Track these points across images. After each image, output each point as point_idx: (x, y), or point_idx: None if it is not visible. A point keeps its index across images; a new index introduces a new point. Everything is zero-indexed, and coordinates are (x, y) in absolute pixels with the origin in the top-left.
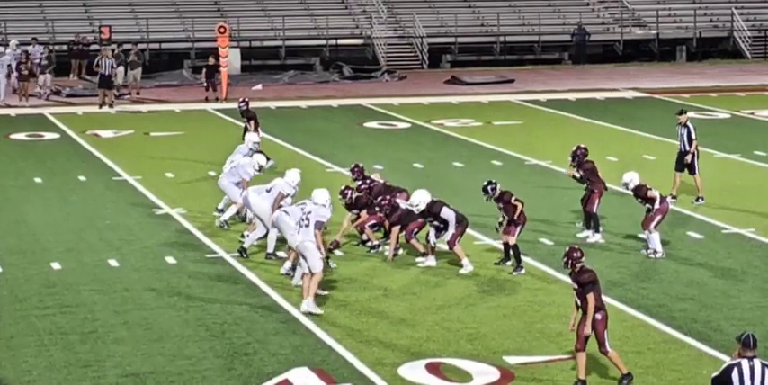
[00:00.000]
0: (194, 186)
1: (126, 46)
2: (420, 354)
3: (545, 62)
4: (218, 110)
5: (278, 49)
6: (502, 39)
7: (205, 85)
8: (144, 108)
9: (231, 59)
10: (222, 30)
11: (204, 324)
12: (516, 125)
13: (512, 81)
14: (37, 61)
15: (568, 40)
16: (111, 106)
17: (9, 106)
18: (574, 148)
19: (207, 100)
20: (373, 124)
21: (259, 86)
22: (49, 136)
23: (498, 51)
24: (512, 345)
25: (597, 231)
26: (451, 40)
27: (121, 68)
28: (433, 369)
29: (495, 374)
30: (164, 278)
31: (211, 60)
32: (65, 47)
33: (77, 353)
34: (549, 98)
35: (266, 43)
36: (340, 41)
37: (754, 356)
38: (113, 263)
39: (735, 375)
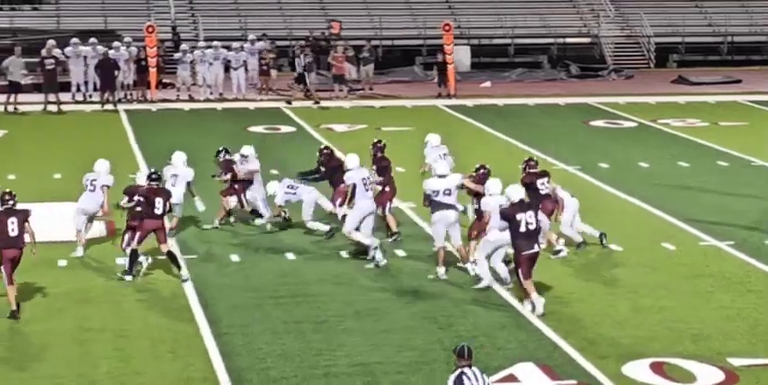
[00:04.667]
0: (419, 180)
1: (358, 42)
2: (644, 354)
3: None
4: (447, 106)
5: (507, 46)
6: (729, 39)
7: (436, 81)
8: (377, 103)
9: (461, 57)
10: (447, 27)
11: (431, 316)
12: (743, 126)
13: (739, 81)
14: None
15: None
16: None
17: (247, 99)
18: None
19: (439, 96)
20: (599, 123)
21: (488, 83)
22: (285, 129)
23: (726, 51)
24: (736, 347)
25: None
26: (679, 39)
27: (347, 64)
28: (657, 368)
29: (719, 376)
30: (393, 269)
31: (440, 57)
32: (302, 42)
33: (310, 342)
34: None
35: (495, 41)
36: (568, 40)
37: (470, 364)
38: (344, 254)
39: (466, 382)
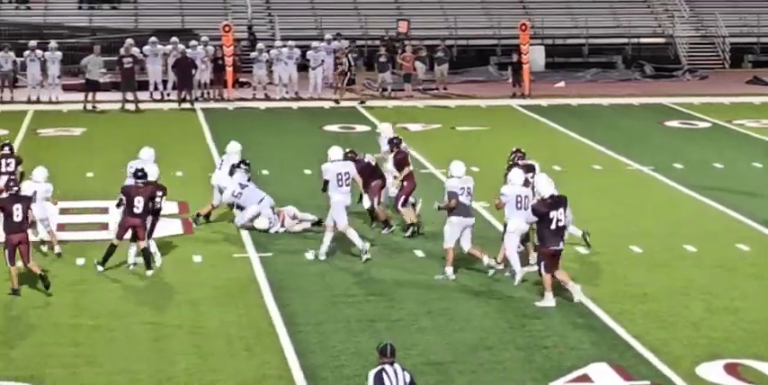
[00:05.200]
0: (493, 180)
1: (433, 42)
2: (718, 355)
3: None
4: (522, 106)
5: (581, 46)
6: None
7: (511, 81)
8: (451, 103)
9: (535, 56)
10: (524, 27)
11: (504, 316)
12: None
13: None
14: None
15: None
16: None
17: (322, 98)
18: None
19: (514, 96)
20: (674, 123)
21: (562, 83)
22: (360, 128)
23: None
24: None
25: None
26: (754, 40)
27: (418, 63)
28: (732, 370)
29: None
30: (464, 270)
31: (515, 57)
32: (377, 42)
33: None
34: None
35: (569, 41)
36: (642, 40)
37: (393, 362)
38: (419, 253)
39: (386, 379)
